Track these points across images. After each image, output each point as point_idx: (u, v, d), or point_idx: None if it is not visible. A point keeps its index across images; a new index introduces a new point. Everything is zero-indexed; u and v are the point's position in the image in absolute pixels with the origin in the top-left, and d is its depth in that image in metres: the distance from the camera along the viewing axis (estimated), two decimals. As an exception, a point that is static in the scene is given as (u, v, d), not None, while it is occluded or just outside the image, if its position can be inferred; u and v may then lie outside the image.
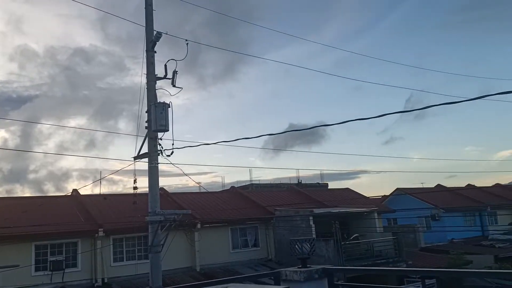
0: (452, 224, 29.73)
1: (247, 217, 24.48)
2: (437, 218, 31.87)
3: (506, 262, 24.84)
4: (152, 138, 12.68)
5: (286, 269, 5.61)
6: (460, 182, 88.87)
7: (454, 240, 30.98)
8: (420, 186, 40.83)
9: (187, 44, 12.42)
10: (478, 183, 39.51)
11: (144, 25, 13.26)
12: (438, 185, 39.08)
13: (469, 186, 40.27)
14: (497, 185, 41.13)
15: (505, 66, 74.24)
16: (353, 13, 71.46)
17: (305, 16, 70.68)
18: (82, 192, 24.13)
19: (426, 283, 4.95)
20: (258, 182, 41.78)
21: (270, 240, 25.01)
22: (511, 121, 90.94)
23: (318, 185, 41.40)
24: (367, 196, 31.78)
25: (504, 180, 53.82)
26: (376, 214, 25.83)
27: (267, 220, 24.93)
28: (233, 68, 75.15)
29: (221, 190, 34.16)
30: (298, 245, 6.17)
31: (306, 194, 30.61)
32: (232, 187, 32.54)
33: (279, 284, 5.49)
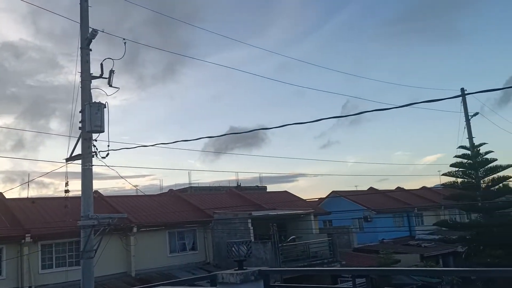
0: (382, 225, 31.17)
1: (185, 220, 24.20)
2: (369, 219, 33.32)
3: (430, 260, 26.51)
4: (86, 139, 12.19)
5: (222, 271, 5.62)
6: (390, 185, 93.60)
7: (384, 240, 32.50)
8: (354, 189, 42.54)
9: (124, 43, 12.10)
10: (407, 186, 41.73)
11: (79, 22, 12.74)
12: (371, 188, 40.89)
13: (399, 188, 42.44)
14: (424, 188, 43.74)
15: (432, 76, 79.40)
16: (294, 19, 73.19)
17: (249, 20, 71.39)
18: (8, 195, 22.69)
19: (357, 282, 5.17)
20: (197, 185, 41.44)
21: (209, 243, 24.90)
22: (436, 128, 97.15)
23: (257, 188, 41.82)
24: (305, 198, 32.64)
25: (429, 183, 57.47)
26: (312, 216, 26.56)
27: (205, 223, 24.80)
28: (174, 69, 74.12)
29: (159, 193, 33.50)
30: (235, 248, 6.20)
31: (245, 197, 30.81)
32: (171, 190, 32.02)
33: (215, 287, 5.49)
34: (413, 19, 72.37)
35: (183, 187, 39.41)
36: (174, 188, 34.71)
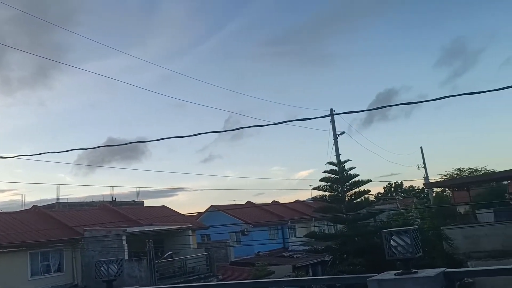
0: (259, 238, 32.18)
1: (50, 239, 22.15)
2: (246, 233, 34.13)
3: (301, 270, 28.02)
4: None
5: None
6: (267, 199, 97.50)
7: (260, 253, 33.52)
8: (233, 203, 43.33)
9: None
10: (282, 200, 43.92)
11: None
12: (248, 202, 42.05)
13: (274, 202, 44.34)
14: (297, 201, 46.36)
15: (307, 96, 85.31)
16: (179, 30, 72.77)
17: (131, 27, 68.89)
18: None
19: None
20: (66, 201, 38.33)
21: (78, 263, 23.10)
22: (309, 145, 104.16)
23: (133, 203, 40.17)
24: (184, 213, 32.23)
25: (302, 196, 60.95)
26: (190, 231, 26.32)
27: (74, 242, 23.00)
28: (46, 74, 68.10)
29: (21, 209, 30.21)
30: (103, 267, 5.84)
31: (120, 212, 29.35)
32: (34, 206, 29.09)
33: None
34: (290, 42, 77.26)
35: (50, 202, 36.15)
36: (40, 204, 31.68)
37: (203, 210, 37.91)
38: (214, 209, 36.75)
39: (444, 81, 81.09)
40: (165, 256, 23.77)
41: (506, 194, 39.59)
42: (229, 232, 32.84)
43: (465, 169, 57.75)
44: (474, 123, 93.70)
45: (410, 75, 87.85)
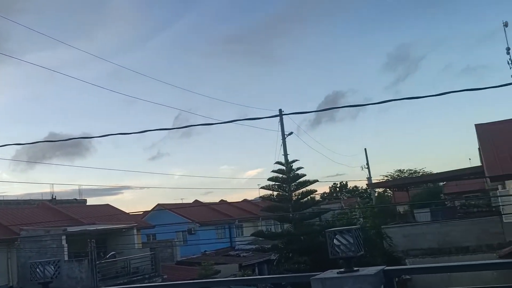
0: (206, 237, 31.97)
1: (-18, 239, 20.82)
2: (193, 232, 33.81)
3: (248, 269, 28.16)
4: None
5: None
6: (215, 198, 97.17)
7: (206, 252, 33.32)
8: (180, 201, 42.77)
9: None
10: (230, 199, 43.90)
11: None
12: (196, 201, 41.68)
13: (222, 201, 44.27)
14: (245, 201, 46.54)
15: (258, 95, 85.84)
16: (131, 25, 70.74)
17: (78, 19, 65.94)
18: None
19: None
20: (2, 198, 36.22)
21: (13, 264, 21.87)
22: (258, 144, 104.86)
23: (75, 202, 38.65)
24: (129, 212, 31.41)
25: (250, 196, 61.36)
26: (135, 231, 25.67)
27: (10, 242, 21.76)
28: (-21, 64, 63.79)
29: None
30: (39, 269, 5.56)
31: (60, 211, 28.11)
32: (-34, 204, 27.25)
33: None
34: (242, 41, 77.38)
35: (-18, 200, 33.99)
36: (-29, 202, 29.66)
37: (149, 209, 37.15)
38: (161, 208, 36.11)
39: (388, 85, 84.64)
40: (108, 256, 23.03)
41: (442, 195, 41.89)
42: (175, 232, 32.38)
43: (405, 171, 60.53)
44: (414, 126, 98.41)
45: (357, 78, 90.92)
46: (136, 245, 25.43)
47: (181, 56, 76.48)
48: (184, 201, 42.20)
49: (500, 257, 22.16)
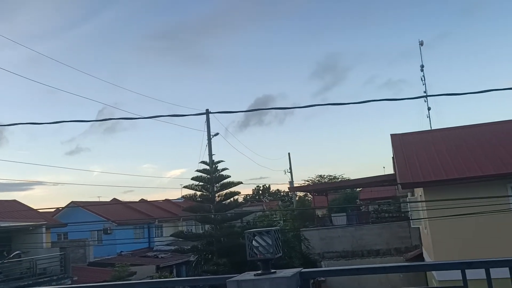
0: (123, 237, 30.76)
1: None
2: (109, 231, 32.37)
3: (165, 270, 27.51)
4: None
5: None
6: (135, 196, 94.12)
7: (123, 253, 32.07)
8: (97, 199, 40.82)
9: None
10: (150, 198, 42.76)
11: None
12: (114, 199, 40.00)
13: (142, 200, 42.98)
14: (166, 200, 45.55)
15: (184, 95, 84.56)
16: (52, 10, 66.05)
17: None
18: None
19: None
20: None
21: None
22: (183, 144, 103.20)
23: (-23, 196, 35.32)
24: (38, 209, 29.30)
25: (173, 195, 60.21)
26: (44, 229, 24.00)
27: None
28: None
29: None
30: None
31: (-41, 205, 25.52)
32: None
33: None
34: (171, 38, 75.76)
35: None
36: None
37: (62, 206, 34.99)
38: (75, 206, 34.15)
39: (316, 93, 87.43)
40: (11, 255, 21.27)
41: (358, 200, 44.09)
42: (90, 231, 30.79)
43: (325, 176, 62.96)
44: (337, 133, 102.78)
45: (287, 84, 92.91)
46: (44, 244, 23.78)
47: (106, 48, 73.16)
48: (102, 199, 40.35)
49: (407, 260, 23.74)
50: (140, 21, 71.79)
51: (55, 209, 34.24)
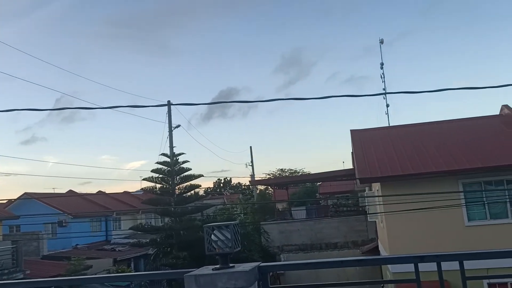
0: (79, 229, 29.96)
1: None
2: (64, 224, 31.41)
3: (123, 264, 27.01)
4: None
5: None
6: (93, 188, 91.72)
7: (78, 246, 31.24)
8: (52, 191, 39.47)
9: None
10: (109, 190, 41.79)
11: None
12: (70, 191, 38.82)
13: (100, 192, 41.92)
14: (125, 193, 44.66)
15: (147, 85, 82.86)
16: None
17: None
18: None
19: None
20: None
21: None
22: (144, 135, 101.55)
23: None
24: (-12, 200, 27.96)
25: (132, 188, 59.06)
26: (-5, 221, 22.98)
27: None
28: None
29: None
30: None
31: None
32: None
33: None
34: (133, 27, 74.00)
35: None
36: None
37: (15, 198, 33.61)
38: (28, 197, 32.88)
39: (280, 87, 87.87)
40: (-42, 249, 20.27)
41: (317, 194, 44.84)
42: (44, 223, 29.76)
43: (286, 170, 63.56)
44: (299, 128, 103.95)
45: (252, 77, 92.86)
46: (-6, 237, 22.79)
47: (63, 35, 70.47)
48: (57, 191, 39.06)
49: (363, 253, 24.41)
50: (101, 8, 69.68)
51: (7, 200, 32.81)
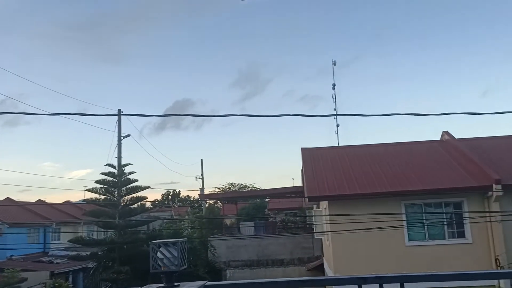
0: (15, 240, 28.35)
1: None
2: (-1, 234, 29.54)
3: (60, 277, 25.67)
4: None
5: None
6: (32, 197, 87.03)
7: (13, 257, 29.43)
8: (-14, 198, 37.01)
9: None
10: (49, 199, 39.78)
11: None
12: (8, 199, 36.62)
13: (40, 201, 39.85)
14: (67, 202, 42.71)
15: (97, 92, 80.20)
16: None
17: None
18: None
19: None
20: None
21: None
22: (91, 144, 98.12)
23: None
24: None
25: (75, 197, 56.57)
26: None
27: None
28: None
29: None
30: None
31: None
32: None
33: None
34: (86, 30, 71.71)
35: None
36: None
37: None
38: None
39: (236, 101, 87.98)
40: None
41: (266, 210, 45.03)
42: (-25, 232, 27.82)
43: (236, 184, 63.44)
44: (251, 143, 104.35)
45: (208, 89, 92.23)
46: None
47: (7, 34, 67.10)
48: (-7, 198, 36.69)
49: (308, 270, 24.68)
50: (52, 8, 67.16)
51: None
